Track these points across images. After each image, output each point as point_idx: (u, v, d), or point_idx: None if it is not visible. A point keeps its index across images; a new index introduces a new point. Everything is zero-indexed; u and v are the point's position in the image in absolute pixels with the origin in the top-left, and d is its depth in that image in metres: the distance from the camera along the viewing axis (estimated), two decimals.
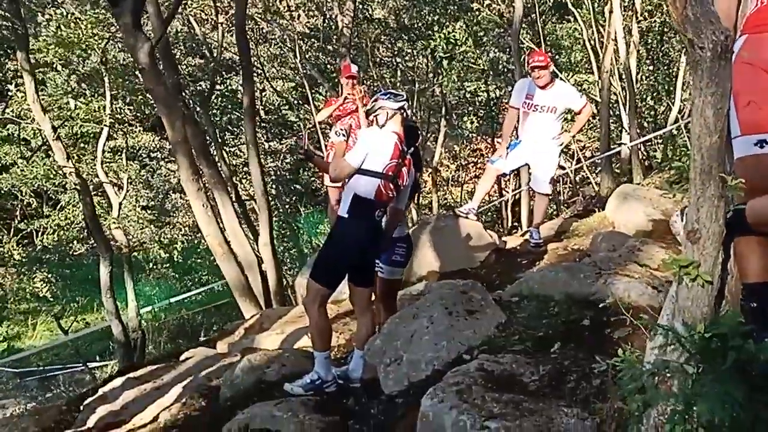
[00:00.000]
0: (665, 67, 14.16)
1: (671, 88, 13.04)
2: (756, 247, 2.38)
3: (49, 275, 18.86)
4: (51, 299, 18.41)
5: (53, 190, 17.76)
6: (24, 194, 17.04)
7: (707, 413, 1.92)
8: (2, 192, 16.61)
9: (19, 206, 18.01)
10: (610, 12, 11.00)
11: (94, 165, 14.39)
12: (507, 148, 6.41)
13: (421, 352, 3.79)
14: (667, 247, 4.57)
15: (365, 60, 15.10)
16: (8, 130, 16.19)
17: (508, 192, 14.10)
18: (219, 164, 11.73)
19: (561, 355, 3.14)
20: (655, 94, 14.58)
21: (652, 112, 14.86)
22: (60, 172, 13.69)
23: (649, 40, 13.96)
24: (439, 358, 3.71)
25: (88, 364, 13.32)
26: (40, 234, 18.14)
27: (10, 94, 14.98)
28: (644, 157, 12.56)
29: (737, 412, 1.88)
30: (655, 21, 12.93)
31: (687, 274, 2.18)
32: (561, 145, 6.42)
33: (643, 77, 14.34)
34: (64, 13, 13.86)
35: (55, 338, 16.27)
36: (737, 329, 1.99)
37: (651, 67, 14.37)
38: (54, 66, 14.58)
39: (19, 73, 12.58)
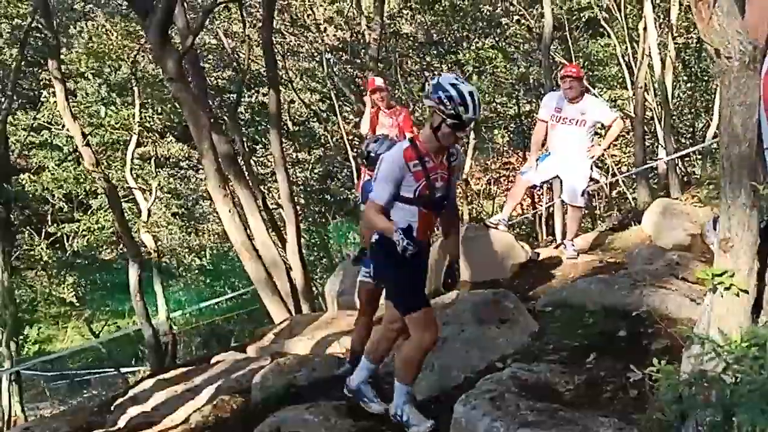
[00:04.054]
0: (703, 84, 14.02)
1: (710, 105, 12.91)
2: None
3: (80, 279, 19.18)
4: (77, 304, 18.70)
5: (84, 195, 18.10)
6: (55, 198, 17.39)
7: (747, 423, 1.91)
8: (35, 195, 17.00)
9: (50, 210, 18.36)
10: (645, 28, 10.93)
11: (124, 171, 14.71)
12: (537, 159, 6.40)
13: (452, 359, 3.81)
14: (707, 262, 4.50)
15: (394, 74, 15.19)
16: (42, 136, 16.61)
17: (541, 205, 14.03)
18: (247, 173, 11.86)
19: (597, 365, 3.13)
20: (693, 110, 14.44)
21: (690, 129, 14.71)
22: (90, 176, 14.01)
23: (686, 57, 13.84)
24: (471, 365, 3.72)
25: (120, 368, 13.50)
26: (70, 238, 18.49)
27: (42, 101, 15.40)
28: (683, 173, 12.43)
29: None
30: (691, 37, 12.83)
31: (721, 283, 2.17)
32: (592, 158, 6.38)
33: (680, 93, 14.21)
34: (96, 26, 14.25)
35: (86, 342, 16.53)
36: None
37: (689, 84, 14.24)
38: (86, 75, 14.96)
39: (50, 82, 12.96)
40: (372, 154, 4.08)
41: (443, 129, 3.21)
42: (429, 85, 3.26)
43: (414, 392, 3.56)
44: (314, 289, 10.76)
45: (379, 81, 7.38)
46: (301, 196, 18.36)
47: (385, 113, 7.10)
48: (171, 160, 19.09)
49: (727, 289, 2.14)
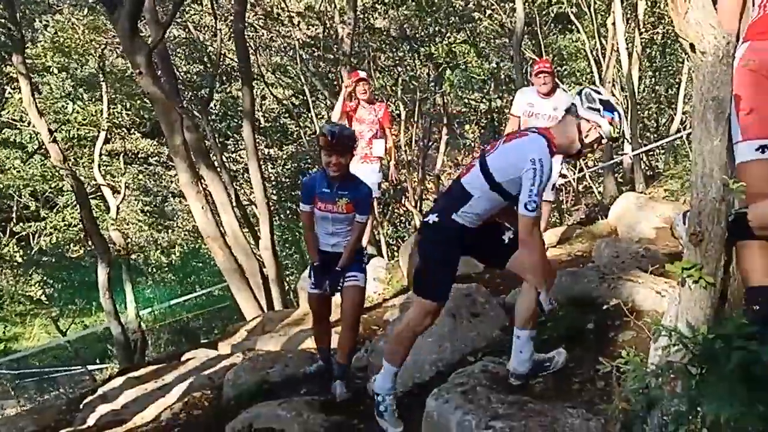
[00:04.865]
0: (669, 78, 14.27)
1: (673, 99, 13.13)
2: (758, 251, 2.42)
3: (47, 277, 18.84)
4: (46, 302, 18.38)
5: (51, 193, 17.76)
6: (21, 195, 17.02)
7: (713, 413, 1.95)
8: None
9: (16, 208, 17.98)
10: (613, 24, 11.07)
11: (92, 168, 14.46)
12: None
13: (425, 353, 3.83)
14: (671, 254, 4.60)
15: (367, 68, 15.15)
16: (4, 134, 16.21)
17: None
18: (219, 169, 11.76)
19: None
20: (657, 105, 14.68)
21: (655, 123, 14.95)
22: (57, 174, 13.77)
23: (652, 52, 14.06)
24: (443, 359, 3.75)
25: (87, 366, 13.31)
26: (36, 236, 18.17)
27: (7, 97, 15.03)
28: (647, 167, 12.63)
29: (742, 412, 1.90)
30: (657, 32, 13.05)
31: (690, 276, 2.21)
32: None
33: (645, 88, 14.42)
34: (61, 19, 13.95)
35: (53, 340, 16.27)
36: (741, 331, 2.02)
37: (654, 78, 14.47)
38: (51, 70, 14.66)
39: (14, 76, 12.64)
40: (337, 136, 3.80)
41: (590, 146, 3.13)
42: (596, 100, 3.04)
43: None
44: (287, 285, 10.72)
45: (362, 73, 7.25)
46: (274, 192, 18.25)
47: (365, 108, 6.95)
48: (140, 156, 18.81)
49: (695, 282, 2.17)
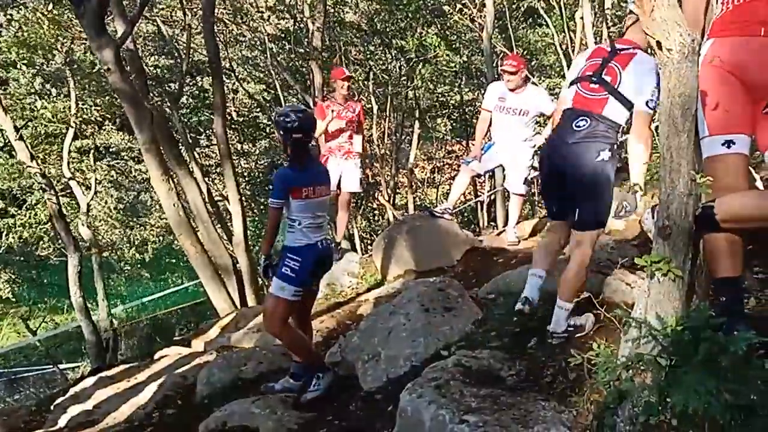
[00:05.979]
0: None
1: None
2: (724, 243, 2.47)
3: (15, 276, 18.45)
4: (14, 301, 18.02)
5: (19, 190, 17.38)
6: None
7: (681, 404, 1.99)
8: None
9: None
10: (581, 17, 11.17)
11: (61, 165, 14.20)
12: (481, 149, 6.49)
13: (398, 348, 3.83)
14: (640, 246, 4.67)
15: (339, 63, 15.08)
16: None
17: (483, 193, 14.23)
18: (190, 165, 11.61)
19: (538, 350, 3.20)
20: None
21: None
22: (25, 171, 13.47)
23: None
24: (417, 354, 3.75)
25: (59, 366, 13.10)
26: (4, 234, 17.77)
27: None
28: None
29: (709, 402, 1.94)
30: (623, 26, 13.22)
31: (659, 269, 2.25)
32: (534, 147, 6.51)
33: None
34: (26, 14, 13.62)
35: (22, 340, 15.99)
36: (708, 322, 2.07)
37: None
38: (17, 66, 14.32)
39: None
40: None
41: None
42: None
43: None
44: (260, 281, 10.64)
45: (345, 71, 7.12)
46: (247, 187, 18.10)
47: (344, 105, 6.76)
48: (111, 150, 18.50)
49: (664, 275, 2.21)
